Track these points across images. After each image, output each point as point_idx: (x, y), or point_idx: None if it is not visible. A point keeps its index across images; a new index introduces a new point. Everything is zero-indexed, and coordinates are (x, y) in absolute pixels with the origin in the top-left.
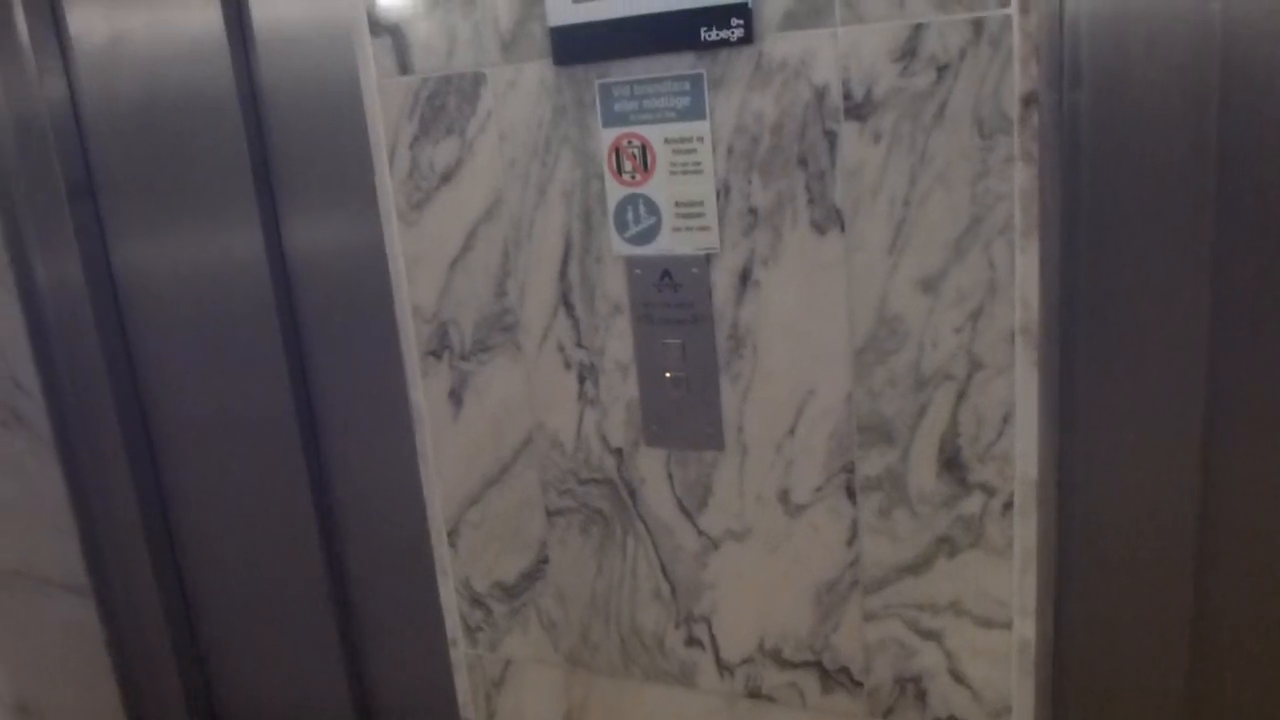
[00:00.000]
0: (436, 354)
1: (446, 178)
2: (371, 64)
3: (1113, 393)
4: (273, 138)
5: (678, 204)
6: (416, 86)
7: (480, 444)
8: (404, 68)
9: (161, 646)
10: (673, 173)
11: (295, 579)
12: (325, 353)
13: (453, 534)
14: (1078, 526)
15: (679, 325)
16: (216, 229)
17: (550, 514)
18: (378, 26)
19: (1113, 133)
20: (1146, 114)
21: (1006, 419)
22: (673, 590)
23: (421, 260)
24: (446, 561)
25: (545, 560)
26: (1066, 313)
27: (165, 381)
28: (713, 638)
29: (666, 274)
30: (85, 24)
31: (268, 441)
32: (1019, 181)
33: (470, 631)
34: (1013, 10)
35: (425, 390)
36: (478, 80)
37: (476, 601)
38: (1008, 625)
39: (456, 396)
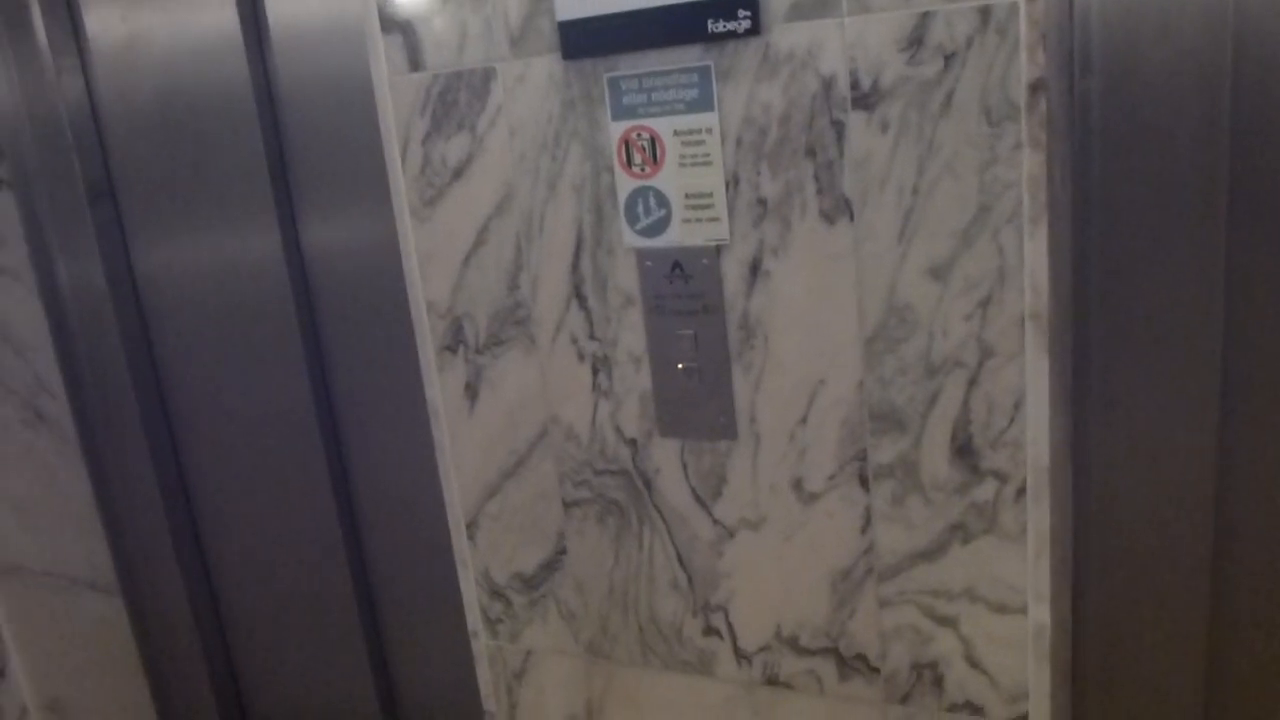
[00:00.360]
0: (451, 348)
1: (458, 173)
2: (383, 61)
3: (1124, 377)
4: (288, 136)
5: (687, 196)
6: (428, 83)
7: (496, 437)
8: (415, 64)
9: (189, 641)
10: (682, 165)
11: (318, 573)
12: (343, 349)
13: (471, 526)
14: (1091, 511)
15: (690, 316)
16: (235, 227)
17: (567, 505)
18: (389, 23)
19: (1124, 118)
20: (1159, 99)
21: (1018, 405)
22: (689, 580)
23: (435, 256)
24: (466, 554)
25: (563, 551)
26: (1077, 298)
27: (187, 379)
28: (730, 626)
29: (677, 265)
30: (102, 24)
31: (288, 437)
32: (1027, 168)
33: (491, 623)
34: None
35: (441, 384)
36: (488, 76)
37: (496, 593)
38: (1023, 611)
39: (472, 390)
